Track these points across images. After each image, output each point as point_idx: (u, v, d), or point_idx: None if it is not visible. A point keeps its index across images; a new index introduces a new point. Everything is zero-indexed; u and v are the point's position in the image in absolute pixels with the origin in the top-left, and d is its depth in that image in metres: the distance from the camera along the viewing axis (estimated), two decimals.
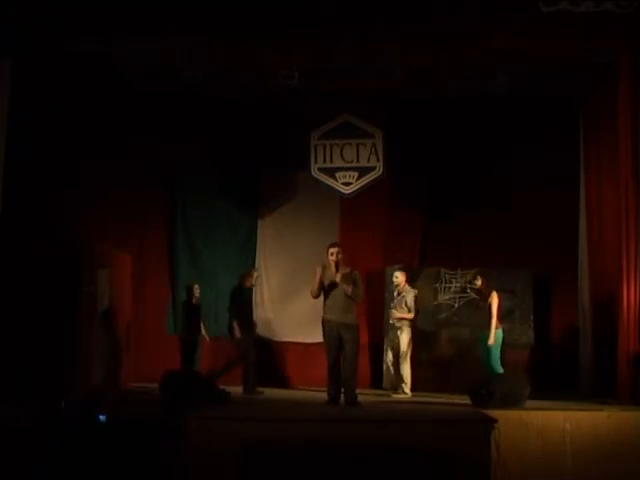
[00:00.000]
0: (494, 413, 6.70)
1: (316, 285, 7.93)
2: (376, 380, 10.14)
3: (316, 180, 10.34)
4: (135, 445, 6.25)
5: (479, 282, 8.94)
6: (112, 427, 6.40)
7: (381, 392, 9.64)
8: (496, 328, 8.65)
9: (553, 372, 9.71)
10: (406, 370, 9.20)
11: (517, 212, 10.24)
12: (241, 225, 10.92)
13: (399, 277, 9.53)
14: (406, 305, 9.35)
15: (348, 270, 7.93)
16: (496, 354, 8.64)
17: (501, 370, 8.56)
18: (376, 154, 10.22)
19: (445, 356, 9.99)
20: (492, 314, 8.64)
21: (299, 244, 10.64)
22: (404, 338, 9.29)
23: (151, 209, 10.81)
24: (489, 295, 8.76)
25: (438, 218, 10.61)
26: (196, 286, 9.85)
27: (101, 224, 10.05)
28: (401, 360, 9.26)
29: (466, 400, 7.86)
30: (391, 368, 9.50)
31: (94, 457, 6.24)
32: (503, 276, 9.95)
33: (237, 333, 9.36)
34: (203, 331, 9.80)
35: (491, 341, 8.60)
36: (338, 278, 7.81)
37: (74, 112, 9.26)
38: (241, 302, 9.53)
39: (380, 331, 10.15)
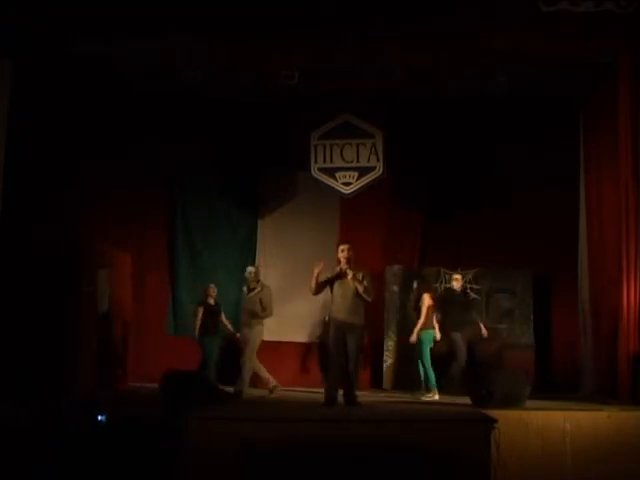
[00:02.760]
0: (494, 413, 6.68)
1: (313, 282, 7.74)
2: (376, 380, 10.14)
3: (316, 180, 10.36)
4: (135, 445, 6.25)
5: (415, 285, 9.34)
6: (112, 427, 6.39)
7: (381, 392, 9.64)
8: (423, 328, 9.01)
9: (553, 372, 9.72)
10: (247, 368, 8.79)
11: (517, 212, 10.24)
12: (241, 225, 10.92)
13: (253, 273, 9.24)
14: (260, 303, 9.04)
15: (361, 271, 7.77)
16: (426, 352, 8.98)
17: (430, 370, 8.88)
18: (376, 154, 10.23)
19: (445, 356, 9.98)
20: (422, 314, 9.04)
21: (299, 244, 10.65)
22: (254, 335, 8.95)
23: (151, 209, 10.82)
24: (421, 297, 9.12)
25: (438, 218, 10.62)
26: (212, 286, 9.72)
27: (101, 224, 10.05)
28: (245, 357, 8.92)
29: (466, 400, 7.86)
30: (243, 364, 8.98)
31: (94, 457, 6.24)
32: (503, 276, 9.97)
33: (437, 335, 9.29)
34: (230, 328, 9.73)
35: (413, 338, 9.00)
36: (350, 276, 7.66)
37: (74, 112, 9.26)
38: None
39: (380, 331, 10.15)
